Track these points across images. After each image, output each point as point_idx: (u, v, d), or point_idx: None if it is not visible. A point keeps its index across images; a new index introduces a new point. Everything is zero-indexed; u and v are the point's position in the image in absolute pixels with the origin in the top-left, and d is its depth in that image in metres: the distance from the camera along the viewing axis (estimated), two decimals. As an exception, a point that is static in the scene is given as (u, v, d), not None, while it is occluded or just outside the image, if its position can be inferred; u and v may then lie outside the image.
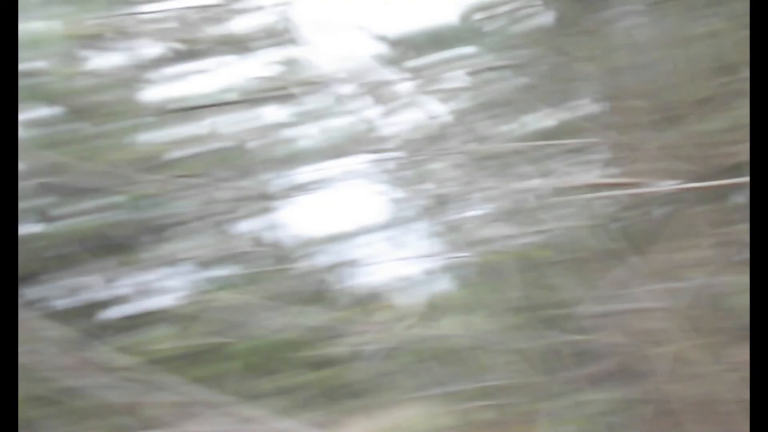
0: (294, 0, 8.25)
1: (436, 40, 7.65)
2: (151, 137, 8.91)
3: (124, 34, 8.77)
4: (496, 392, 7.08)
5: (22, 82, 8.46)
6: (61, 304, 8.71)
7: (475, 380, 7.27)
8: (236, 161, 8.97)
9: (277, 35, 8.37)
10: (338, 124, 8.51)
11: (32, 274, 8.42)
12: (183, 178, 8.94)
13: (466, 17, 7.44)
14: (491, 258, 7.41)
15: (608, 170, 6.89)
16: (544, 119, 7.30)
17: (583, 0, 6.68)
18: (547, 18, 7.12)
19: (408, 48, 7.78)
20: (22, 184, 8.26)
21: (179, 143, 8.95)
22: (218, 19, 8.38)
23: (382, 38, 7.81)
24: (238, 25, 8.56)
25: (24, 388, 4.26)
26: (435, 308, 8.01)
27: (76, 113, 8.33)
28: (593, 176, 6.78)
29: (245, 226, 9.07)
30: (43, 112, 8.40)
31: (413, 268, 8.18)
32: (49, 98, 8.41)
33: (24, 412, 4.07)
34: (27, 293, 8.47)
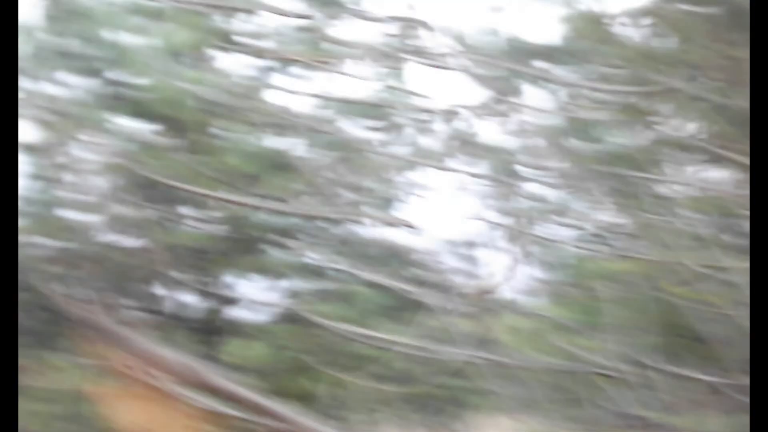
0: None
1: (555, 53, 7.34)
2: (271, 143, 9.03)
3: (238, 46, 8.92)
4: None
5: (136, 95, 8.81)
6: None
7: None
8: (355, 167, 8.99)
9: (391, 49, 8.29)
10: (447, 132, 8.46)
11: (146, 281, 8.74)
12: (303, 184, 9.07)
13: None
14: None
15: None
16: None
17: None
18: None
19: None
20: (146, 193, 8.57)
21: (298, 148, 9.04)
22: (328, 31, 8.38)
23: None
24: (354, 36, 8.56)
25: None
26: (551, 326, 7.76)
27: (194, 123, 8.47)
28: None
29: (365, 231, 9.11)
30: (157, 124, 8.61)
31: (524, 281, 8.04)
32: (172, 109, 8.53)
33: None
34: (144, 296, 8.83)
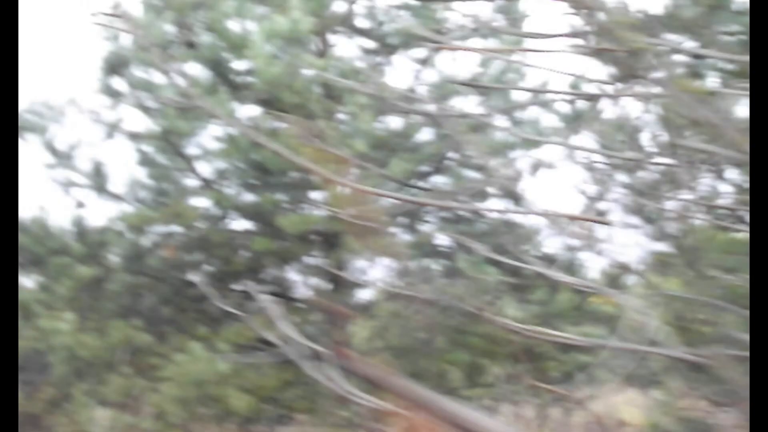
0: None
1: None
2: (395, 125, 9.10)
3: (358, 30, 9.01)
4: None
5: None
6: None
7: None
8: (479, 147, 8.99)
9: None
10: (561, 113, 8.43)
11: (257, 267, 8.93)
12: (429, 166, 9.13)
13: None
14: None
15: None
16: None
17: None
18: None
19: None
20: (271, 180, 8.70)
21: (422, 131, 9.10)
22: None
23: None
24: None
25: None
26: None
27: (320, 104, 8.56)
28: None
29: (489, 212, 9.13)
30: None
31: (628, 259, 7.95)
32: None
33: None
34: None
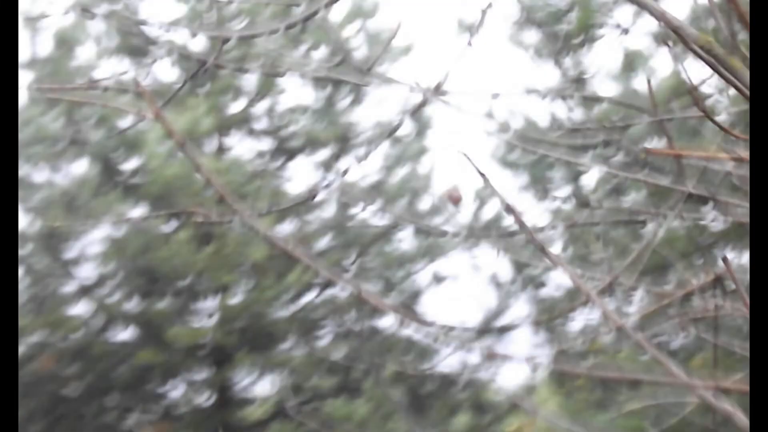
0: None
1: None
2: (287, 228, 8.78)
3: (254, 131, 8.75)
4: None
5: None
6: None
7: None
8: (379, 255, 8.73)
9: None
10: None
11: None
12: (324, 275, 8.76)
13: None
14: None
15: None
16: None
17: None
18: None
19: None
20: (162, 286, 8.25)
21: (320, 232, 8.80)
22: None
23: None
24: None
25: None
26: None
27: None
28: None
29: (384, 322, 8.82)
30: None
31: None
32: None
33: None
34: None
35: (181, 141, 2.52)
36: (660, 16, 1.99)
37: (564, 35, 4.72)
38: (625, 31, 4.80)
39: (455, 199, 4.28)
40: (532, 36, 5.49)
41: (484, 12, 2.74)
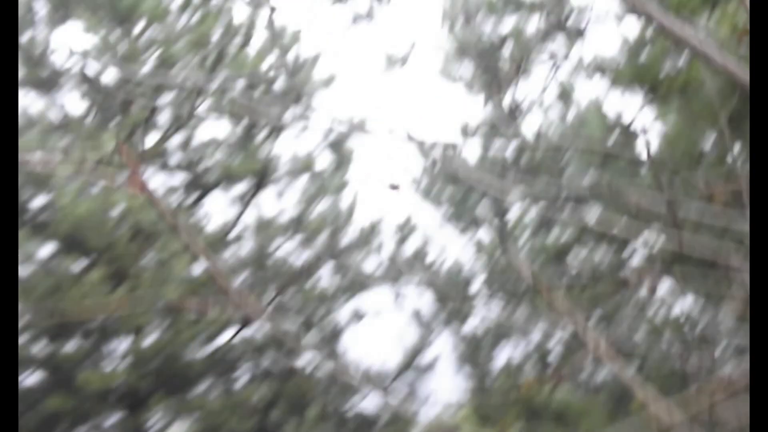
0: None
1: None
2: (201, 268, 8.52)
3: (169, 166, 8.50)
4: None
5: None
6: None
7: None
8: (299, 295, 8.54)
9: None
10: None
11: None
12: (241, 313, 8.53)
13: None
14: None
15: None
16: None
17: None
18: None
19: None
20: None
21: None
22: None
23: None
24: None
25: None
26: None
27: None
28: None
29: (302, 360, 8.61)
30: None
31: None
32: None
33: None
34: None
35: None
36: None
37: (497, 68, 4.64)
38: (558, 66, 4.73)
39: (395, 186, 4.17)
40: (465, 69, 5.39)
41: (413, 45, 2.59)
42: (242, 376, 8.86)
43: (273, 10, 6.71)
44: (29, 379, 8.19)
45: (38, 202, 8.05)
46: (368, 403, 8.69)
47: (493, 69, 4.46)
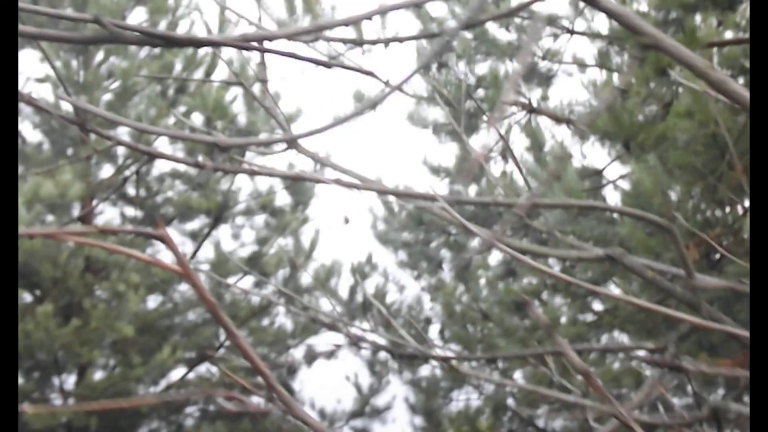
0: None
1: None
2: (156, 303, 8.34)
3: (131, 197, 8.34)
4: None
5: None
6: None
7: None
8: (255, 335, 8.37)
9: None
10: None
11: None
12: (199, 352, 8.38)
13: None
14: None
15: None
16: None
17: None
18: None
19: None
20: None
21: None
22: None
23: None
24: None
25: None
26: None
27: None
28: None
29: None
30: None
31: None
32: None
33: None
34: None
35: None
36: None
37: (470, 113, 4.58)
38: (532, 109, 4.67)
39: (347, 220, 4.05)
40: (435, 113, 5.34)
41: (384, 88, 2.48)
42: (192, 416, 8.67)
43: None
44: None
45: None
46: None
47: (464, 114, 4.38)
